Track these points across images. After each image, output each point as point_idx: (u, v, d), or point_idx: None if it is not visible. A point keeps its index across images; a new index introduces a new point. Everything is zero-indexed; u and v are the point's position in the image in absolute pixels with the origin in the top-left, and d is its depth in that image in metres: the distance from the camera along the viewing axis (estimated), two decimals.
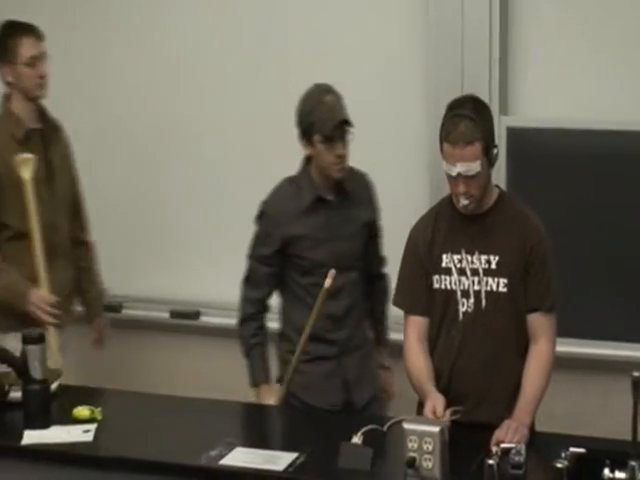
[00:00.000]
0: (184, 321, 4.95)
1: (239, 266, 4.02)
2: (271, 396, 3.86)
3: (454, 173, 3.28)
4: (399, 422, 3.10)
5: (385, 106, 4.49)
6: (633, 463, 2.86)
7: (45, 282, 4.08)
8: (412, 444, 2.97)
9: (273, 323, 4.01)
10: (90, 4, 4.97)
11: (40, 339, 3.52)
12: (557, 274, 3.43)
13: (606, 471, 2.91)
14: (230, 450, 3.25)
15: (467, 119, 3.26)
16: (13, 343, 3.59)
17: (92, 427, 3.46)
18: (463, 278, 3.40)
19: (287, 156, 4.62)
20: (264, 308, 3.96)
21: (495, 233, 3.40)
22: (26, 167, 4.05)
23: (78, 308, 4.45)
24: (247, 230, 4.46)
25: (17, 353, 3.53)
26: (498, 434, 3.19)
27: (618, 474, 2.89)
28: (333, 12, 4.61)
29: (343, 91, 3.81)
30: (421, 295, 3.45)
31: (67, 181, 4.31)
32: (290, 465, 3.16)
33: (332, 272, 3.67)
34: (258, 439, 3.50)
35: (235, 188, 4.84)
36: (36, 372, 3.49)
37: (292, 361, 3.82)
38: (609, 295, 4.28)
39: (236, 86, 4.78)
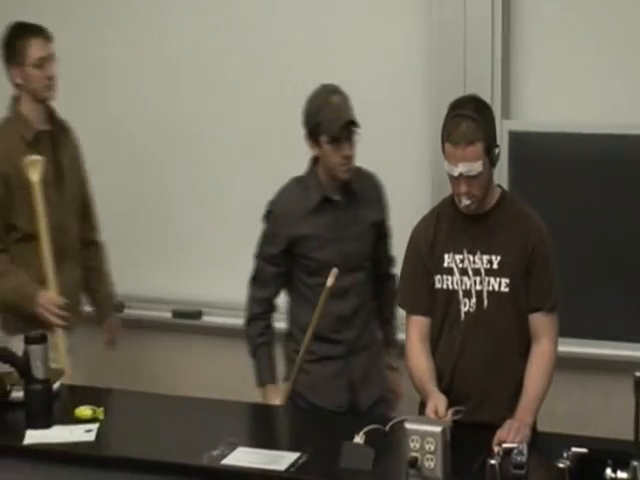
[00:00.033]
0: (186, 321, 4.95)
1: (241, 266, 4.02)
2: (277, 396, 3.85)
3: (456, 173, 3.28)
4: (401, 422, 3.09)
5: (387, 106, 4.49)
6: (635, 463, 2.86)
7: (53, 284, 4.07)
8: (414, 444, 2.97)
9: (280, 323, 4.00)
10: (90, 5, 4.97)
11: (42, 339, 3.52)
12: (559, 274, 3.43)
13: (608, 471, 2.91)
14: (232, 450, 3.25)
15: (469, 119, 3.26)
16: (21, 345, 3.59)
17: (94, 427, 3.46)
18: (465, 278, 3.40)
19: (290, 156, 4.62)
20: (271, 308, 3.96)
21: (497, 233, 3.40)
22: (35, 169, 4.04)
23: (87, 309, 4.44)
24: (249, 230, 4.45)
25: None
26: (500, 434, 3.19)
27: (620, 474, 2.89)
28: (335, 12, 4.61)
29: (345, 91, 3.81)
30: (423, 295, 3.45)
31: (76, 182, 4.30)
32: (292, 465, 3.16)
33: (334, 271, 3.67)
34: (260, 439, 3.50)
35: (237, 188, 4.84)
36: (38, 372, 3.49)
37: (296, 360, 3.82)
38: (611, 295, 4.28)
39: (239, 86, 4.78)
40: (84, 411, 3.52)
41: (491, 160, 3.33)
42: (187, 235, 4.96)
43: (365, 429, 3.20)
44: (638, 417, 2.84)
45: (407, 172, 4.37)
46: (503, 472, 2.98)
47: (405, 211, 4.04)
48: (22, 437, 3.40)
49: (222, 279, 4.84)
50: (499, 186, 3.51)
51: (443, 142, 3.31)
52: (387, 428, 3.25)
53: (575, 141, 4.25)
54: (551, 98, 4.35)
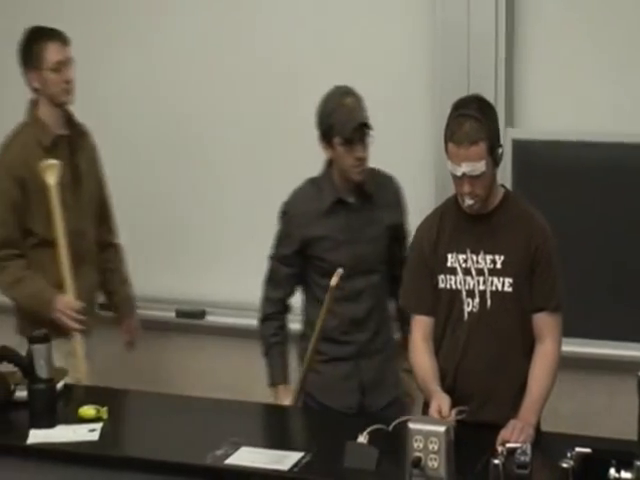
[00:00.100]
0: (190, 320, 4.95)
1: (244, 265, 4.03)
2: (288, 396, 3.84)
3: (459, 173, 3.28)
4: (404, 422, 3.09)
5: (391, 106, 4.49)
6: (639, 463, 2.86)
7: (71, 289, 4.06)
8: (417, 444, 2.97)
9: (295, 324, 3.99)
10: (90, 4, 4.97)
11: (45, 338, 3.53)
12: (563, 275, 3.42)
13: (612, 471, 2.90)
14: (236, 449, 3.25)
15: (472, 119, 3.26)
16: None
17: (98, 426, 3.46)
18: (468, 278, 3.39)
19: (291, 156, 4.65)
20: (285, 308, 3.95)
21: (500, 233, 3.40)
22: (51, 173, 4.04)
23: (102, 312, 4.43)
24: (252, 229, 4.48)
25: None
26: (504, 434, 3.19)
27: (624, 474, 2.88)
28: (338, 12, 4.60)
29: None
30: (426, 295, 3.45)
31: (94, 186, 4.29)
32: (295, 465, 3.16)
33: (339, 271, 3.65)
34: (264, 439, 3.51)
35: (240, 187, 4.84)
36: (42, 371, 3.49)
37: (305, 360, 3.81)
38: (615, 295, 4.27)
39: (240, 86, 4.78)
40: (88, 411, 3.53)
41: (494, 160, 3.33)
42: (190, 235, 4.96)
43: (369, 429, 3.20)
44: None
45: (411, 172, 4.36)
46: (507, 472, 2.98)
47: (409, 211, 4.03)
48: (26, 436, 3.41)
49: (226, 279, 4.84)
50: (502, 186, 3.50)
51: (446, 142, 3.31)
52: (390, 428, 3.25)
53: (579, 149, 4.25)
54: (555, 104, 4.34)
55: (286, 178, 3.96)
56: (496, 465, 2.96)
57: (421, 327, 3.46)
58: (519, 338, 3.39)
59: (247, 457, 3.21)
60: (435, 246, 3.44)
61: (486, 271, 3.38)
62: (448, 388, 3.35)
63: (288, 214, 3.87)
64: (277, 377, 3.89)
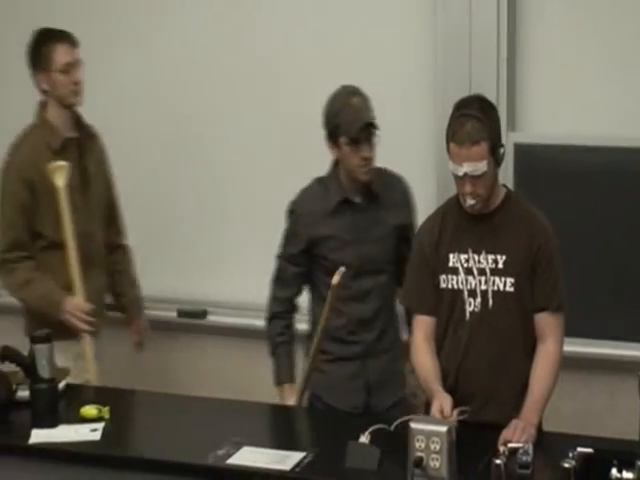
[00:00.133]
0: (191, 320, 4.95)
1: (246, 265, 4.03)
2: (294, 396, 3.84)
3: (460, 173, 3.28)
4: (406, 422, 3.09)
5: (392, 107, 4.48)
6: None
7: (80, 291, 4.06)
8: (419, 444, 2.97)
9: (302, 325, 3.99)
10: (91, 4, 4.97)
11: (47, 338, 3.53)
12: (565, 276, 3.42)
13: (614, 471, 2.91)
14: (237, 449, 3.25)
15: (473, 119, 3.26)
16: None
17: (99, 426, 3.47)
18: (470, 278, 3.39)
19: (293, 156, 4.65)
20: (292, 307, 3.94)
21: (502, 232, 3.40)
22: (60, 175, 4.04)
23: (110, 313, 4.43)
24: (253, 230, 4.48)
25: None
26: (505, 434, 3.19)
27: (626, 474, 2.89)
28: (340, 13, 4.60)
29: None
30: (428, 295, 3.45)
31: (102, 187, 4.30)
32: (297, 465, 3.16)
33: (341, 269, 3.65)
34: (265, 438, 3.50)
35: (242, 188, 4.84)
36: (44, 371, 3.50)
37: (308, 359, 3.81)
38: (616, 295, 4.27)
39: (244, 87, 4.78)
40: (89, 410, 3.53)
41: (496, 160, 3.33)
42: (191, 235, 4.96)
43: (370, 429, 3.20)
44: None
45: (412, 172, 4.35)
46: (508, 472, 2.98)
47: None
48: (28, 436, 3.41)
49: (227, 278, 4.84)
50: (504, 186, 3.50)
51: (448, 142, 3.31)
52: (392, 428, 3.25)
53: (581, 154, 4.24)
54: (557, 108, 4.33)
55: (287, 178, 3.97)
56: (498, 465, 2.96)
57: (423, 327, 3.46)
58: (521, 338, 3.39)
59: (249, 457, 3.21)
60: (437, 246, 3.44)
61: (488, 271, 3.38)
62: (450, 388, 3.35)
63: (295, 213, 3.87)
64: (283, 376, 3.88)
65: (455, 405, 3.23)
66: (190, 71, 4.85)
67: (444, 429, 2.98)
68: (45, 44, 4.10)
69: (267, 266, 3.97)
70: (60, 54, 4.09)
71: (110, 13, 4.96)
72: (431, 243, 3.45)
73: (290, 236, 3.88)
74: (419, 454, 2.97)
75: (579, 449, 3.02)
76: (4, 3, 5.04)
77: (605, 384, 4.36)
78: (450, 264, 3.42)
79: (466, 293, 3.40)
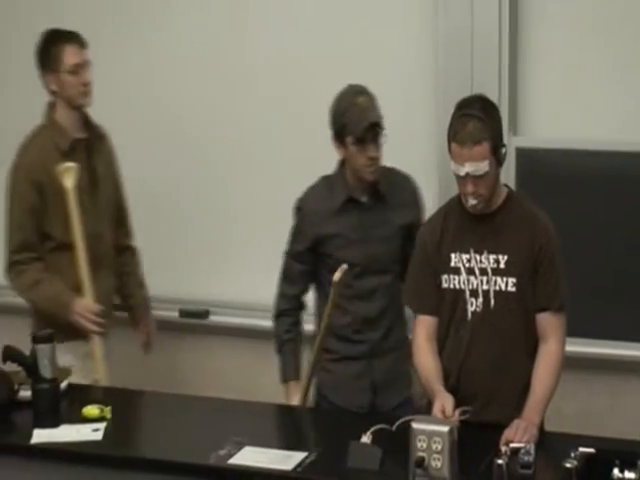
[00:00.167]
0: (193, 320, 4.95)
1: (248, 265, 4.03)
2: (299, 393, 3.84)
3: (462, 173, 3.28)
4: (408, 422, 3.09)
5: (394, 107, 4.47)
6: None
7: (89, 292, 4.07)
8: (421, 444, 2.97)
9: (309, 325, 3.98)
10: (91, 4, 4.97)
11: (49, 338, 3.53)
12: (567, 276, 3.42)
13: (615, 471, 2.91)
14: (239, 449, 3.25)
15: (475, 119, 3.26)
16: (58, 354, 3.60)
17: (101, 426, 3.47)
18: (472, 278, 3.40)
19: (294, 156, 4.65)
20: (299, 305, 3.94)
21: (504, 232, 3.40)
22: (69, 176, 4.03)
23: (117, 314, 4.43)
24: (256, 230, 4.48)
25: (62, 364, 3.60)
26: (507, 434, 3.19)
27: (628, 474, 2.89)
28: (342, 14, 4.59)
29: None
30: (430, 295, 3.45)
31: (111, 188, 4.30)
32: (299, 465, 3.16)
33: (343, 266, 3.65)
34: (267, 438, 3.50)
35: (244, 188, 4.84)
36: (46, 371, 3.50)
37: (312, 357, 3.80)
38: (618, 294, 4.27)
39: (244, 87, 4.78)
40: (91, 410, 3.53)
41: (498, 160, 3.33)
42: (193, 235, 4.96)
43: (372, 429, 3.20)
44: None
45: (414, 172, 4.34)
46: (510, 472, 2.98)
47: None
48: (30, 436, 3.41)
49: (229, 278, 4.84)
50: (506, 186, 3.51)
51: (449, 142, 3.31)
52: (394, 428, 3.25)
53: (583, 158, 4.24)
54: (559, 111, 4.32)
55: (290, 178, 3.97)
56: (500, 465, 2.96)
57: (424, 327, 3.47)
58: (522, 338, 3.39)
59: (250, 457, 3.21)
60: (438, 246, 3.44)
61: (489, 271, 3.38)
62: (452, 388, 3.35)
63: (302, 211, 3.87)
64: (288, 374, 3.88)
65: (457, 405, 3.23)
66: (196, 72, 4.84)
67: (446, 429, 2.98)
68: (54, 45, 4.10)
69: (270, 266, 3.97)
70: (69, 55, 4.09)
71: (110, 13, 4.95)
72: (433, 243, 3.45)
73: (296, 233, 3.88)
74: (421, 454, 2.97)
75: (581, 449, 3.02)
76: (4, 3, 5.05)
77: (606, 384, 4.36)
78: (452, 264, 3.42)
79: (468, 293, 3.40)
